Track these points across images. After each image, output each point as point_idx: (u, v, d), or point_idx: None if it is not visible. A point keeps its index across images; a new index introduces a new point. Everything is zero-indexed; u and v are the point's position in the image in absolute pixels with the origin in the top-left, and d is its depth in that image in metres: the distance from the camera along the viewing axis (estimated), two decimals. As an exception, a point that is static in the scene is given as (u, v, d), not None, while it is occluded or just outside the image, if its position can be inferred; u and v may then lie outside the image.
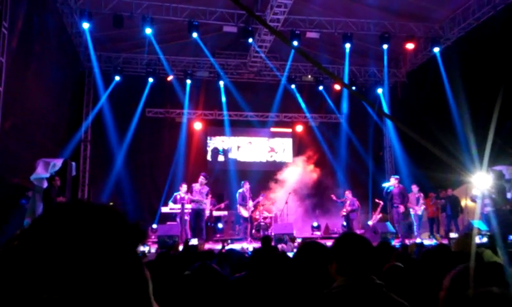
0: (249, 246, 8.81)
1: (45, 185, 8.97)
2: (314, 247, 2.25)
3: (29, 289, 0.53)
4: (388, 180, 11.69)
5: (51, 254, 0.55)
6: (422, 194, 11.32)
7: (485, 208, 9.59)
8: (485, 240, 6.56)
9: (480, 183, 8.98)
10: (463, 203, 11.72)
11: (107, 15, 10.66)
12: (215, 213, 11.81)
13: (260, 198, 11.58)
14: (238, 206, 11.26)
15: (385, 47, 12.30)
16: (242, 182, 11.51)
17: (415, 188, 11.40)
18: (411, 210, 11.30)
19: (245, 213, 11.16)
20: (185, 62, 13.62)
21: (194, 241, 9.37)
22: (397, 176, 11.48)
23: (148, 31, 10.93)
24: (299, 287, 2.10)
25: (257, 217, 11.86)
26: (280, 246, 8.21)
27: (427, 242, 9.35)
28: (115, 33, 11.76)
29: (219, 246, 8.36)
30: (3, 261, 0.56)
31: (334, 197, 12.17)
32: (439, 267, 2.23)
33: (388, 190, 11.01)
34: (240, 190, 11.32)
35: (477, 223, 9.40)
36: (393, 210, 11.15)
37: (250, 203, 11.22)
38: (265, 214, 11.75)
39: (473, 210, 11.11)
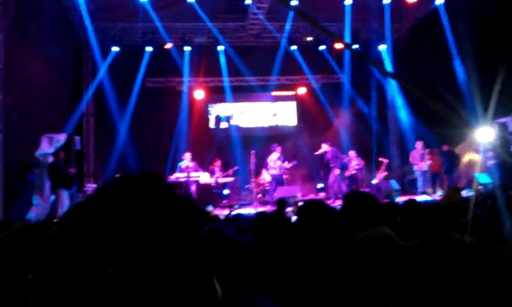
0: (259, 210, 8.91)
1: (50, 160, 9.07)
2: (316, 206, 2.29)
3: (95, 261, 0.51)
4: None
5: (119, 225, 0.53)
6: (427, 150, 11.36)
7: (488, 161, 9.60)
8: (472, 193, 6.58)
9: (483, 136, 8.94)
10: (467, 157, 11.71)
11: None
12: (221, 180, 11.93)
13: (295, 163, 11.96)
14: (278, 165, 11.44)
15: (387, 1, 11.97)
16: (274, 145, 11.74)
17: (418, 145, 11.42)
18: (414, 166, 11.34)
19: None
20: (182, 29, 13.37)
21: (210, 208, 9.60)
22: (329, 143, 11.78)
23: (143, -4, 10.69)
24: (304, 247, 2.17)
25: (262, 181, 11.97)
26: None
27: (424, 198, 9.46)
28: (110, 2, 11.52)
29: (225, 212, 8.48)
30: (70, 228, 0.54)
31: (316, 153, 12.05)
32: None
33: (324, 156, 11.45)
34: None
35: (480, 176, 9.43)
36: (330, 173, 11.42)
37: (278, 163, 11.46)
38: (268, 178, 11.79)
39: (477, 163, 11.12)
